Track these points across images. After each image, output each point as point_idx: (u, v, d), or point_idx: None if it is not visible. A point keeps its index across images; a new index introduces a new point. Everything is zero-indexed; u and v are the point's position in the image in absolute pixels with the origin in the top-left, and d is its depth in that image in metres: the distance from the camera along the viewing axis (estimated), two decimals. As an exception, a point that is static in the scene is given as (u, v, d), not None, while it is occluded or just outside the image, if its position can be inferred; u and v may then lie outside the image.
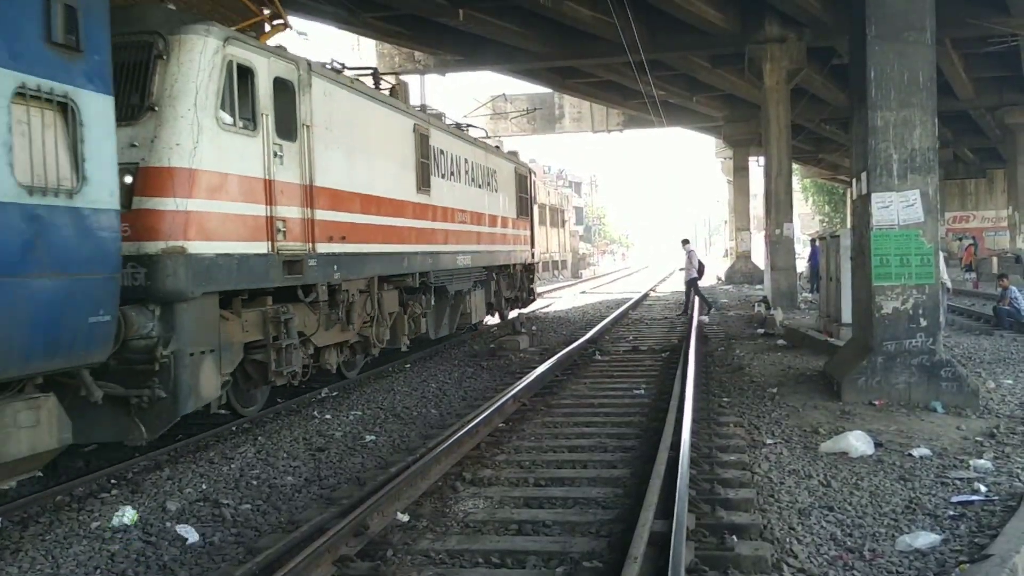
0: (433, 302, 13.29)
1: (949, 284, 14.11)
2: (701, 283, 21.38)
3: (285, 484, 6.66)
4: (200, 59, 7.21)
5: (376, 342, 11.05)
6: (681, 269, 22.53)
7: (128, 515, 5.81)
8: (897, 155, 8.92)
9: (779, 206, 21.42)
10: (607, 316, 19.28)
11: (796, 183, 51.66)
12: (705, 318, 18.61)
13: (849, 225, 11.17)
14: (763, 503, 5.65)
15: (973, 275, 30.74)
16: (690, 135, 42.39)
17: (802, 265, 28.32)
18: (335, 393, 10.47)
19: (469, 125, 16.88)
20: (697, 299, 19.82)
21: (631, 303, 23.35)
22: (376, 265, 10.69)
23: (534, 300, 21.40)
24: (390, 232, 11.18)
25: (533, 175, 21.85)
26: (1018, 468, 6.34)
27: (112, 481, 6.75)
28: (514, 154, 19.67)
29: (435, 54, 23.47)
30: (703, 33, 20.74)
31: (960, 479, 6.12)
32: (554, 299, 26.91)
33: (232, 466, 7.18)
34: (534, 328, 17.19)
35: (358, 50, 24.75)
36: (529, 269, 20.04)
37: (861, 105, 9.23)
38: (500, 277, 17.50)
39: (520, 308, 19.57)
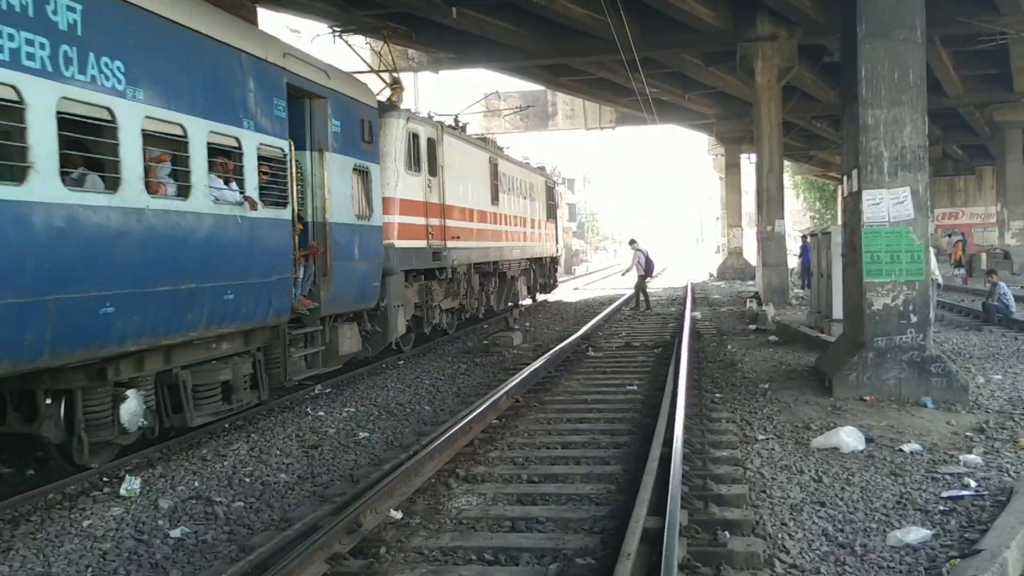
0: (497, 284, 18.52)
1: (940, 280, 14.18)
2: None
3: (278, 481, 6.66)
4: (396, 132, 12.27)
5: (469, 308, 16.32)
6: (626, 271, 23.39)
7: (135, 484, 6.34)
8: (888, 153, 8.96)
9: (770, 203, 21.48)
10: (600, 312, 19.34)
11: (787, 180, 51.73)
12: (698, 314, 18.69)
13: (840, 222, 11.21)
14: (755, 499, 5.67)
15: (963, 271, 30.91)
16: (682, 132, 42.52)
17: (793, 261, 28.41)
18: (328, 390, 10.48)
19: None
20: (639, 294, 20.91)
21: (624, 299, 23.40)
22: (472, 255, 15.91)
23: (557, 287, 26.17)
24: (478, 233, 16.42)
25: (557, 185, 27.06)
26: (1007, 463, 6.39)
27: (104, 479, 6.73)
28: (542, 168, 24.94)
29: (429, 52, 23.45)
30: (695, 31, 20.76)
31: (950, 474, 6.15)
32: (547, 295, 26.89)
33: (225, 464, 7.17)
34: (527, 324, 17.19)
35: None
36: (555, 261, 25.50)
37: (852, 103, 9.27)
38: (536, 267, 22.84)
39: (547, 293, 24.65)
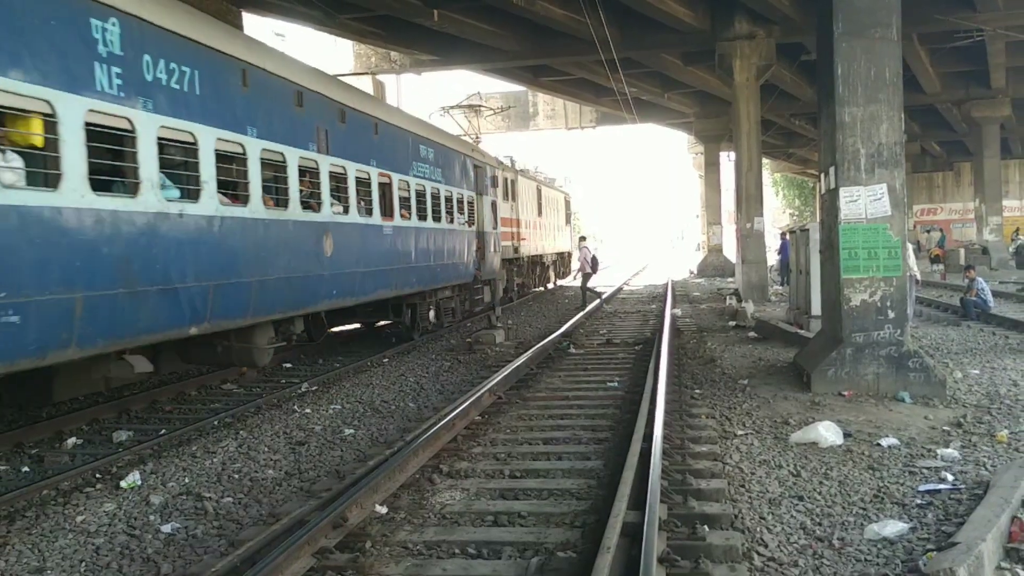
0: (539, 270, 28.05)
1: (918, 275, 14.34)
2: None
3: (266, 477, 6.69)
4: (500, 177, 20.59)
5: (528, 284, 25.60)
6: (577, 273, 24.90)
7: (136, 477, 6.57)
8: (864, 150, 9.06)
9: (750, 200, 21.66)
10: (582, 309, 19.41)
11: (766, 178, 52.26)
12: (678, 311, 18.80)
13: (818, 219, 11.32)
14: (734, 493, 5.73)
15: (941, 267, 31.26)
16: (663, 131, 42.73)
17: (773, 258, 28.60)
18: (315, 388, 10.49)
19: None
20: (585, 291, 21.69)
21: (605, 296, 23.48)
22: (530, 251, 25.13)
23: (570, 274, 34.35)
24: (532, 236, 25.60)
25: (570, 196, 36.76)
26: (984, 457, 6.47)
27: (97, 475, 6.77)
28: (561, 186, 34.62)
29: (411, 54, 23.48)
30: (674, 30, 20.88)
31: (927, 468, 6.23)
32: (529, 293, 26.97)
33: (214, 460, 7.20)
34: (510, 322, 17.26)
35: (335, 50, 24.69)
36: (569, 255, 34.54)
37: (829, 101, 9.36)
38: (559, 259, 32.68)
39: (564, 278, 33.30)
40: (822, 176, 9.99)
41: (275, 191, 9.26)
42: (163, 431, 8.13)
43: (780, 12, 19.26)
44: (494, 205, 19.05)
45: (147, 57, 7.06)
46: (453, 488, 6.00)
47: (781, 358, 11.53)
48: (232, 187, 8.49)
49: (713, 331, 15.40)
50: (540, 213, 26.91)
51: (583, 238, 24.68)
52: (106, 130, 6.60)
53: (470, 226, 16.92)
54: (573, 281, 30.30)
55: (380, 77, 25.02)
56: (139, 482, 6.54)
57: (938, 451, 6.67)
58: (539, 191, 26.86)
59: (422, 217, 13.90)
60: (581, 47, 20.86)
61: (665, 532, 4.82)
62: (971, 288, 15.78)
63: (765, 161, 42.98)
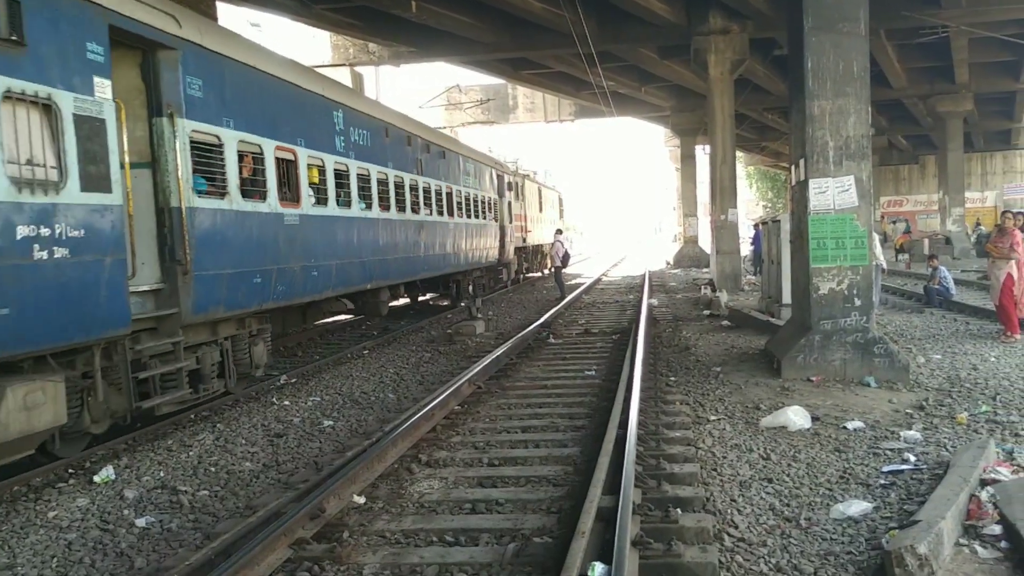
0: (539, 257, 32.99)
1: (883, 264, 14.60)
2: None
3: (243, 470, 6.70)
4: (510, 181, 26.41)
5: (532, 268, 31.42)
6: (552, 266, 25.61)
7: (110, 472, 6.59)
8: (833, 142, 9.23)
9: (724, 192, 21.87)
10: (560, 300, 19.54)
11: (740, 170, 52.68)
12: (654, 300, 18.97)
13: (789, 210, 11.51)
14: (706, 477, 5.85)
15: (906, 256, 31.81)
16: (640, 125, 42.94)
17: (746, 249, 28.89)
18: (294, 380, 10.51)
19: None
20: (562, 284, 22.36)
21: (584, 288, 23.63)
22: (534, 240, 30.60)
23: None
24: (534, 229, 30.78)
25: (562, 195, 42.62)
26: (945, 438, 6.66)
27: (70, 471, 6.74)
28: (554, 187, 40.22)
29: (389, 46, 23.38)
30: (650, 25, 21.01)
31: (891, 450, 6.40)
32: (528, 275, 27.47)
33: (190, 453, 7.19)
34: (490, 313, 17.33)
35: (313, 41, 24.49)
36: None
37: (799, 94, 9.52)
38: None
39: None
40: (793, 168, 10.16)
41: (399, 201, 14.30)
42: (138, 425, 8.06)
43: (753, 7, 19.43)
44: (510, 205, 25.42)
45: (352, 128, 12.24)
46: (432, 477, 6.06)
47: (753, 345, 11.72)
48: (385, 200, 13.67)
49: (688, 320, 15.59)
50: (540, 210, 33.32)
51: (559, 231, 25.13)
52: (338, 173, 11.60)
53: (495, 221, 22.89)
54: (538, 281, 30.76)
55: (359, 69, 24.90)
56: (113, 477, 6.51)
57: (901, 433, 6.84)
58: (540, 191, 33.63)
59: (468, 216, 19.64)
60: (559, 40, 20.91)
61: (639, 516, 4.89)
62: (934, 277, 16.16)
63: (739, 154, 43.31)
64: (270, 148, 9.52)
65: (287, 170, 10.13)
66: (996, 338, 11.58)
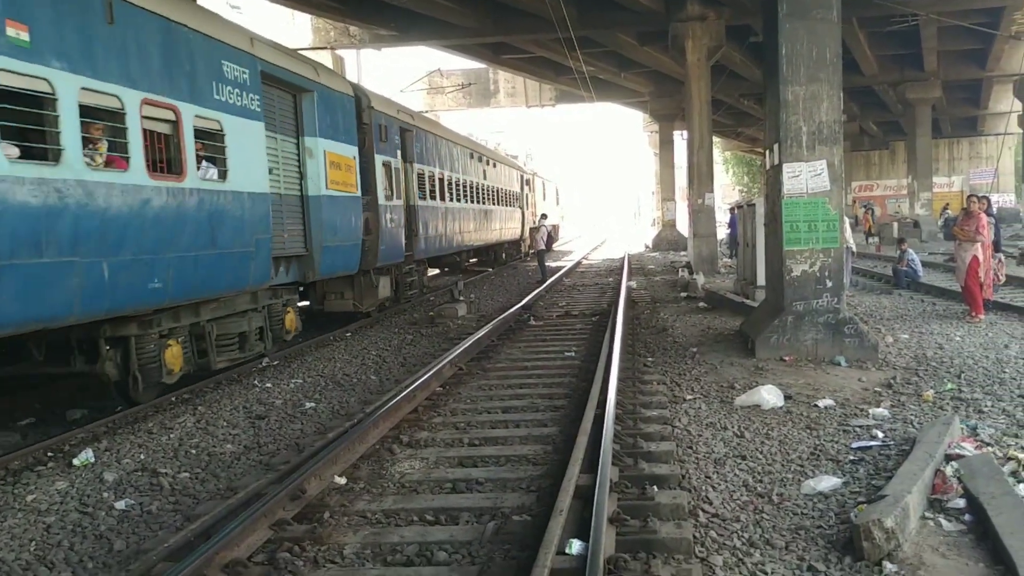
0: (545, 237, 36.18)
1: (854, 247, 14.85)
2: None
3: (224, 452, 6.71)
4: (527, 179, 35.24)
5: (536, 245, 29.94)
6: (537, 249, 25.00)
7: (89, 455, 6.55)
8: (806, 127, 9.37)
9: (701, 177, 22.04)
10: (542, 283, 19.62)
11: (717, 155, 52.94)
12: (633, 283, 19.13)
13: (763, 194, 11.66)
14: (682, 455, 5.94)
15: (876, 239, 32.29)
16: (619, 110, 43.08)
17: (722, 232, 29.11)
18: (276, 362, 10.50)
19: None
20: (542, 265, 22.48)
21: (565, 271, 23.73)
22: (545, 224, 25.57)
23: (557, 240, 41.84)
24: (539, 213, 30.57)
25: (559, 185, 49.24)
26: (912, 415, 6.80)
27: (49, 454, 6.71)
28: (544, 177, 42.83)
29: (370, 29, 23.21)
30: (630, 11, 21.05)
31: (860, 427, 6.53)
32: (488, 267, 27.20)
33: (171, 436, 7.18)
34: (472, 296, 17.38)
35: (293, 23, 24.23)
36: (557, 228, 42.39)
37: (773, 80, 9.64)
38: (553, 229, 35.55)
39: (555, 242, 38.10)
40: (767, 153, 10.28)
41: (470, 195, 21.25)
42: (119, 408, 8.06)
43: (730, -7, 19.55)
44: (527, 196, 32.94)
45: (457, 152, 19.73)
46: (413, 458, 6.09)
47: (728, 326, 11.87)
48: (456, 194, 19.85)
49: (666, 302, 15.74)
50: (544, 198, 39.57)
51: (544, 216, 25.05)
52: (451, 181, 19.19)
53: (519, 209, 30.87)
54: (524, 264, 31.13)
55: (339, 52, 24.71)
56: (92, 459, 6.47)
57: (870, 411, 6.98)
58: (543, 184, 40.03)
59: (506, 205, 27.90)
60: (540, 25, 20.90)
61: (616, 493, 4.94)
62: (902, 259, 16.51)
63: (716, 140, 43.53)
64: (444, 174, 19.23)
65: (444, 185, 19.15)
66: (961, 318, 11.83)
